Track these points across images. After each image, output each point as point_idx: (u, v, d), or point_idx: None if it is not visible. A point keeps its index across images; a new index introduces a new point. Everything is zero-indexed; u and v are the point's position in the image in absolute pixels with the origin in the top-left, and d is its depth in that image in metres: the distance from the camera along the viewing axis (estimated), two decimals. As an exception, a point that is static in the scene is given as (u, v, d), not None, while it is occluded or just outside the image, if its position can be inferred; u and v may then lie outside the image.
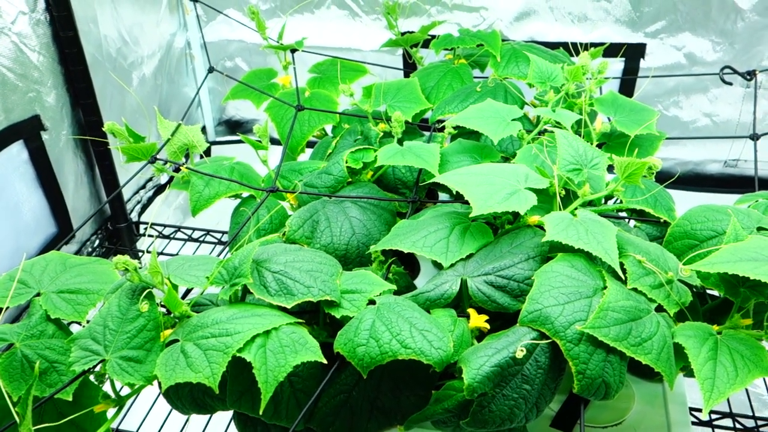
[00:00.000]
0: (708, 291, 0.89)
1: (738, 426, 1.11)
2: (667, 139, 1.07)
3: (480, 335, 0.74)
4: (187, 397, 0.73)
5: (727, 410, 1.13)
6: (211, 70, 1.49)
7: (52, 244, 1.35)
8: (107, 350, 0.66)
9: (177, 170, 1.01)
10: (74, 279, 0.78)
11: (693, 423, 1.04)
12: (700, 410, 1.09)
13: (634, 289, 0.73)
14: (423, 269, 0.97)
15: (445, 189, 1.02)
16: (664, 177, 0.96)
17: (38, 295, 0.75)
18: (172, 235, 1.56)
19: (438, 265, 0.91)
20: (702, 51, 1.58)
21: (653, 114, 1.05)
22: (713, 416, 1.12)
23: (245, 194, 1.02)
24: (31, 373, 0.69)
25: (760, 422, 1.11)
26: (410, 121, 1.08)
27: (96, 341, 0.66)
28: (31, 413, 0.56)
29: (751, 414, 1.12)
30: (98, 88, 1.44)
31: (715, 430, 1.11)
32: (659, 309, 0.72)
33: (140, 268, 0.69)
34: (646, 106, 1.07)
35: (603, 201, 0.91)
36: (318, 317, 0.75)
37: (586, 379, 0.66)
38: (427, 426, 0.74)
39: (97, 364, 0.65)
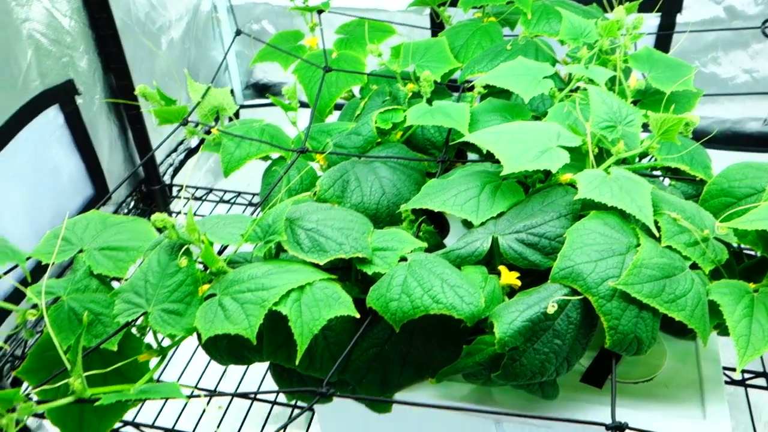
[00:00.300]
0: (745, 250, 0.88)
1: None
2: (704, 96, 1.05)
3: (511, 292, 0.74)
4: (225, 349, 0.75)
5: (761, 369, 1.12)
6: (238, 32, 1.49)
7: (89, 206, 1.39)
8: (149, 303, 0.68)
9: (208, 132, 1.03)
10: (114, 237, 0.80)
11: (726, 382, 1.04)
12: (733, 370, 1.10)
13: (669, 247, 0.72)
14: (452, 229, 0.97)
15: (475, 150, 1.02)
16: (700, 135, 0.94)
17: (81, 251, 0.78)
18: (204, 197, 1.59)
19: (468, 225, 0.91)
20: (743, 4, 1.53)
21: (690, 70, 1.03)
22: (746, 375, 1.12)
23: (275, 155, 1.03)
24: (77, 325, 0.72)
25: (793, 382, 1.10)
26: (439, 81, 1.07)
27: (138, 295, 0.69)
28: (81, 361, 0.58)
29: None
30: (128, 53, 1.45)
31: (749, 389, 1.11)
32: (694, 267, 0.72)
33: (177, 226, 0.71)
34: (682, 62, 1.05)
35: (637, 159, 0.90)
36: (350, 274, 0.76)
37: (618, 334, 0.66)
38: (457, 379, 0.76)
39: (139, 316, 0.67)
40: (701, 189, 0.86)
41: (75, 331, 0.72)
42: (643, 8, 1.40)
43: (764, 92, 1.59)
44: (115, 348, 0.71)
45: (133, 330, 0.73)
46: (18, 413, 0.55)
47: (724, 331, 0.76)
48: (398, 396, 0.75)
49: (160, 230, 0.83)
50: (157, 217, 0.69)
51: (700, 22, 1.56)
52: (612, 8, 1.02)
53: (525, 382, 0.68)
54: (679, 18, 1.57)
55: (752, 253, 0.85)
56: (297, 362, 0.64)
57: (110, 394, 0.61)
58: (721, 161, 0.93)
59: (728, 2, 1.54)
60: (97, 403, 0.58)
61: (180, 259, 0.69)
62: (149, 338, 0.72)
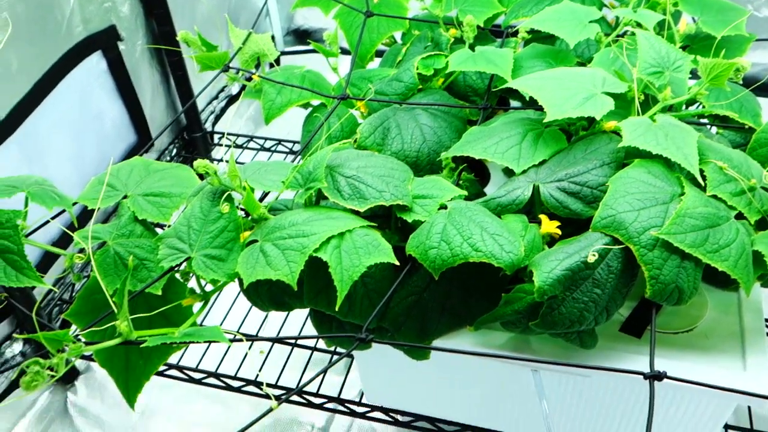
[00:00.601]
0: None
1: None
2: (756, 41, 1.01)
3: (551, 241, 0.74)
4: (266, 295, 0.77)
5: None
6: (278, -23, 1.47)
7: (132, 152, 1.41)
8: (192, 249, 0.69)
9: (249, 79, 1.03)
10: (158, 183, 0.81)
11: None
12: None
13: (714, 196, 0.71)
14: (493, 177, 0.97)
15: (517, 97, 1.00)
16: (750, 82, 0.90)
17: (125, 197, 0.80)
18: (244, 145, 1.60)
19: (509, 174, 0.90)
20: (801, -57, 1.45)
21: (743, 13, 0.99)
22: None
23: (316, 103, 1.03)
24: (123, 269, 0.74)
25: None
26: (482, 26, 1.05)
27: (181, 240, 0.70)
28: (127, 303, 0.60)
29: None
30: (169, -2, 1.45)
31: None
32: (739, 217, 0.71)
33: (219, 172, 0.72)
34: (735, 5, 1.01)
35: (684, 107, 0.87)
36: (389, 222, 0.77)
37: (659, 284, 0.65)
38: (495, 327, 0.76)
39: (183, 261, 0.69)
40: (749, 138, 0.84)
41: (120, 275, 0.74)
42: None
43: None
44: (159, 292, 0.73)
45: (177, 275, 0.76)
46: (68, 353, 0.58)
47: (767, 282, 0.75)
48: (436, 343, 0.76)
49: (202, 177, 0.85)
50: (200, 163, 0.70)
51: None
52: (664, -52, 0.97)
53: (563, 330, 0.68)
54: (734, -42, 1.49)
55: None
56: (337, 308, 0.65)
57: (156, 336, 0.63)
58: (775, 111, 0.90)
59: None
60: (143, 345, 0.61)
61: (222, 205, 0.70)
62: (192, 283, 0.74)
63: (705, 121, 0.93)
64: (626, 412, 0.81)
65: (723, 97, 0.88)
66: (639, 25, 0.90)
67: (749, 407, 0.97)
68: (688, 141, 0.73)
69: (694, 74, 0.81)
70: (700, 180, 0.71)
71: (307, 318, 1.26)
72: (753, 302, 0.82)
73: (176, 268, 0.72)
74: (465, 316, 0.75)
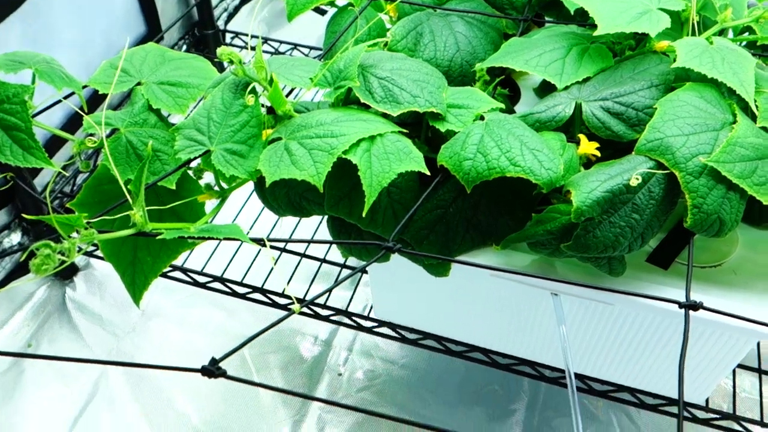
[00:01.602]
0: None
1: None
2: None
3: (587, 163, 0.70)
4: (283, 198, 0.73)
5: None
6: None
7: (141, 44, 1.34)
8: (211, 142, 0.65)
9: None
10: (174, 72, 0.76)
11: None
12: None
13: (764, 128, 0.67)
14: (524, 97, 0.92)
15: (554, 14, 0.94)
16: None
17: (139, 84, 0.75)
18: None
19: (541, 94, 0.86)
20: None
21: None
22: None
23: (341, 3, 0.96)
24: (135, 159, 0.70)
25: None
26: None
27: (200, 132, 0.66)
28: (143, 192, 0.57)
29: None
30: None
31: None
32: (787, 152, 0.67)
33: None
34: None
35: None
36: (420, 130, 0.73)
37: (701, 213, 0.62)
38: (521, 248, 0.73)
39: (202, 154, 0.65)
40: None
41: (132, 165, 0.70)
42: None
43: None
44: (173, 186, 0.69)
45: (189, 172, 0.72)
46: (80, 239, 0.54)
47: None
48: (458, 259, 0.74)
49: (221, 70, 0.80)
50: (224, 50, 0.65)
51: None
52: None
53: (595, 255, 0.65)
54: None
55: None
56: (363, 214, 0.61)
57: (172, 229, 0.60)
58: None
59: None
60: (159, 237, 0.57)
61: (247, 96, 0.66)
62: (206, 180, 0.71)
63: (752, 51, 0.88)
64: (647, 343, 0.80)
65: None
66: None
67: (759, 347, 0.96)
68: (745, 67, 0.68)
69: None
70: (754, 109, 0.67)
71: (317, 227, 1.24)
72: (785, 243, 0.79)
73: (191, 165, 0.68)
74: (490, 234, 0.72)
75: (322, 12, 1.29)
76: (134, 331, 1.19)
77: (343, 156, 0.61)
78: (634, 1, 0.72)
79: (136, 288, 0.72)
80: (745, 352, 0.77)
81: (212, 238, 0.59)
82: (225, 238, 0.59)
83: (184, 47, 1.46)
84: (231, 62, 0.66)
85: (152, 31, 1.34)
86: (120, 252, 0.73)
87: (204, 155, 0.66)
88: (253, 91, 0.67)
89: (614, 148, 0.72)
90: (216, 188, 0.70)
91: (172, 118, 0.77)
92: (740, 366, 0.95)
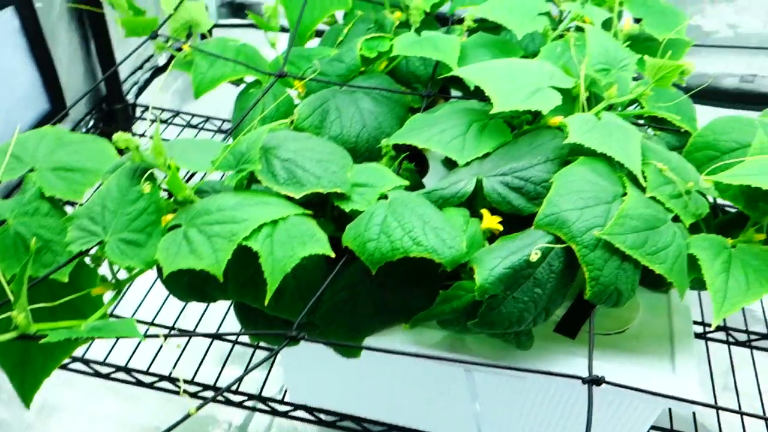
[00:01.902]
0: (721, 206, 0.87)
1: (731, 339, 1.12)
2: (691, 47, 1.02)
3: (491, 237, 0.71)
4: (186, 285, 0.71)
5: (722, 324, 1.14)
6: (213, -56, 1.38)
7: (44, 122, 1.30)
8: (106, 232, 0.63)
9: (179, 49, 0.96)
10: (71, 156, 0.74)
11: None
12: (698, 323, 1.11)
13: (653, 198, 0.70)
14: (432, 169, 0.94)
15: (459, 86, 0.97)
16: (684, 88, 0.91)
17: (32, 170, 0.72)
18: (170, 120, 1.51)
19: (448, 166, 0.88)
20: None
21: (683, 18, 0.99)
22: (707, 329, 1.13)
23: (250, 79, 0.97)
24: (24, 252, 0.66)
25: (752, 336, 1.12)
26: (428, 11, 1.01)
27: (94, 222, 0.63)
28: (26, 292, 0.54)
29: (744, 328, 1.13)
30: (93, -44, 1.34)
31: (709, 342, 1.12)
32: (675, 219, 0.70)
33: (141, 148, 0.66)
34: (676, 9, 1.01)
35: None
36: (325, 210, 0.72)
37: (599, 285, 0.64)
38: (431, 325, 0.73)
39: (95, 245, 0.62)
40: (684, 141, 0.84)
41: (21, 258, 0.66)
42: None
43: (754, 47, 1.57)
44: (66, 279, 0.65)
45: (87, 260, 0.68)
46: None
47: (696, 284, 0.75)
48: (368, 340, 0.73)
49: (121, 152, 0.78)
50: (120, 136, 0.63)
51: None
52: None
53: (502, 331, 0.66)
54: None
55: (728, 208, 0.84)
56: (266, 303, 0.60)
57: (58, 330, 0.57)
58: (699, 115, 0.91)
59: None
60: (42, 341, 0.54)
61: (143, 184, 0.64)
62: (103, 270, 0.68)
63: (641, 122, 0.93)
64: (561, 413, 0.81)
65: (662, 99, 0.88)
66: (584, 20, 0.89)
67: (670, 408, 0.98)
68: (631, 141, 0.72)
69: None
70: (642, 180, 0.70)
71: (228, 309, 1.20)
72: (682, 306, 0.82)
73: (86, 253, 0.65)
74: (400, 312, 0.72)
75: (237, 83, 1.29)
76: (31, 430, 1.10)
77: (244, 243, 0.60)
78: (527, 80, 0.75)
79: (26, 389, 0.67)
80: (655, 416, 0.79)
81: (103, 338, 0.56)
82: (117, 337, 0.56)
83: (91, 123, 1.43)
84: (127, 148, 0.64)
85: (56, 108, 1.31)
86: (8, 352, 0.68)
87: (99, 245, 0.63)
88: (152, 177, 0.65)
89: (516, 221, 0.73)
90: (113, 279, 0.67)
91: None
92: (653, 428, 0.97)
